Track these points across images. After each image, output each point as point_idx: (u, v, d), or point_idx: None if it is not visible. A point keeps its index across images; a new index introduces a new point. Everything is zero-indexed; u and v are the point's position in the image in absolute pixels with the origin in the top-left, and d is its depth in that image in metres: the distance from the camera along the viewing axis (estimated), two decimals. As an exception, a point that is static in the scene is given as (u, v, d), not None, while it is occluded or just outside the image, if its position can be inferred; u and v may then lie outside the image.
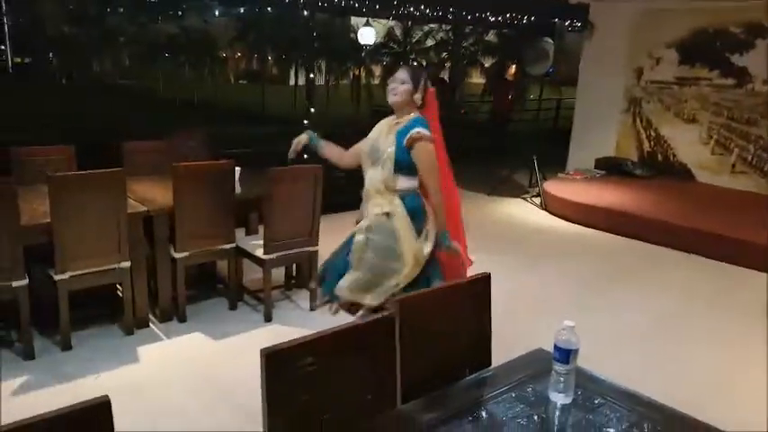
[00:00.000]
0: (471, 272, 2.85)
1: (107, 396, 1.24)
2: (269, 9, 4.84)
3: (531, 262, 5.29)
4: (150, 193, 3.76)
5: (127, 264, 3.45)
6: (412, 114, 2.75)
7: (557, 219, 6.79)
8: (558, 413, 1.64)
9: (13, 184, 3.05)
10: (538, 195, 7.52)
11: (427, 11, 6.99)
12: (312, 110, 6.47)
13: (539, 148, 7.81)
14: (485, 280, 2.08)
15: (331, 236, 4.20)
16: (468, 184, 8.03)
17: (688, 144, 7.57)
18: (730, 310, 4.37)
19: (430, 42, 16.37)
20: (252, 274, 4.25)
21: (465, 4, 7.25)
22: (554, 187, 7.19)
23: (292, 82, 23.00)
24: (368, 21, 7.67)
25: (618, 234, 6.09)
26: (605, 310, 4.27)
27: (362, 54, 17.80)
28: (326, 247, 4.06)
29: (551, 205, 7.06)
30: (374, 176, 2.78)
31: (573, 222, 6.57)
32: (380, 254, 2.72)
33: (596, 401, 1.68)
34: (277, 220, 3.73)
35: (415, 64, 17.37)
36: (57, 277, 3.25)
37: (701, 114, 7.42)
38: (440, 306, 1.98)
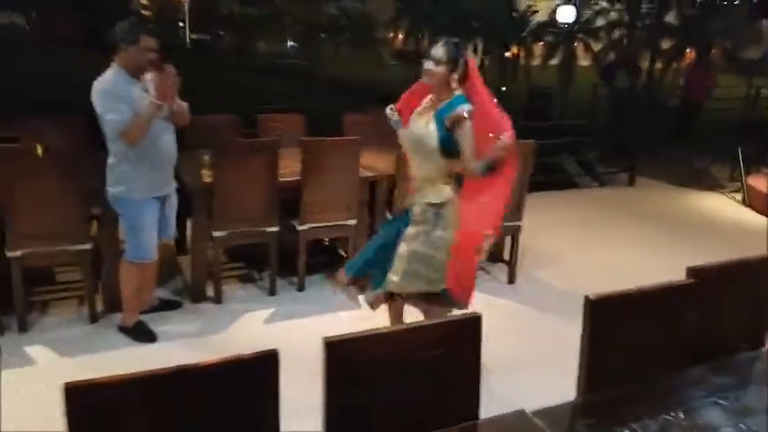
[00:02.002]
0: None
1: (276, 350, 1.36)
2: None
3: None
4: (370, 161, 4.16)
5: (354, 222, 3.90)
6: (453, 93, 2.55)
7: (761, 216, 6.34)
8: None
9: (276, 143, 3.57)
10: (738, 191, 7.04)
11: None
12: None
13: (737, 141, 7.29)
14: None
15: (533, 214, 4.42)
16: (654, 173, 7.76)
17: None
18: None
19: (600, 22, 15.64)
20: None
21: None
22: (760, 183, 6.68)
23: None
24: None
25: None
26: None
27: (523, 33, 17.51)
28: (529, 224, 4.28)
29: (756, 202, 6.59)
30: (423, 165, 2.65)
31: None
32: (434, 245, 2.62)
33: None
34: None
35: (579, 45, 16.73)
36: (300, 227, 3.77)
37: None
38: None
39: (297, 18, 23.38)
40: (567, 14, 7.10)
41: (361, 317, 3.64)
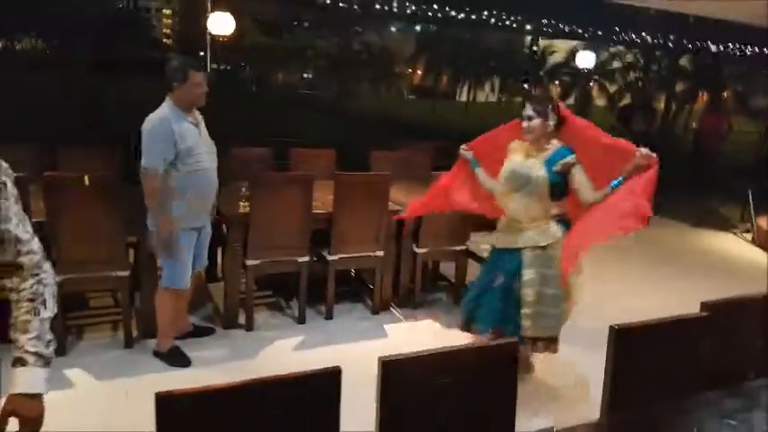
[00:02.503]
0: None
1: (339, 367, 1.49)
2: (444, 27, 5.10)
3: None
4: (398, 195, 4.28)
5: (381, 253, 4.00)
6: (554, 142, 2.92)
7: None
8: None
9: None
10: (748, 231, 7.10)
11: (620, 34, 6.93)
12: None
13: (748, 183, 7.37)
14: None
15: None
16: (671, 213, 7.83)
17: None
18: None
19: (616, 64, 15.91)
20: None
21: (666, 29, 7.09)
22: (768, 224, 6.77)
23: (463, 98, 23.62)
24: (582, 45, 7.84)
25: None
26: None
27: (541, 73, 17.82)
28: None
29: (766, 241, 6.65)
30: (526, 204, 2.91)
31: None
32: (555, 284, 2.89)
33: None
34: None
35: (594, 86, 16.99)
36: (330, 258, 3.87)
37: None
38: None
39: (319, 51, 23.90)
40: (586, 59, 7.29)
41: (387, 345, 3.73)
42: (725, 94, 13.18)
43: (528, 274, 2.92)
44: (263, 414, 1.44)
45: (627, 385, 1.84)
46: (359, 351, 3.57)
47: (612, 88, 16.96)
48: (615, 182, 2.75)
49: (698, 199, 8.39)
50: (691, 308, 2.11)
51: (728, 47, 7.08)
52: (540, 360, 3.40)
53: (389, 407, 1.55)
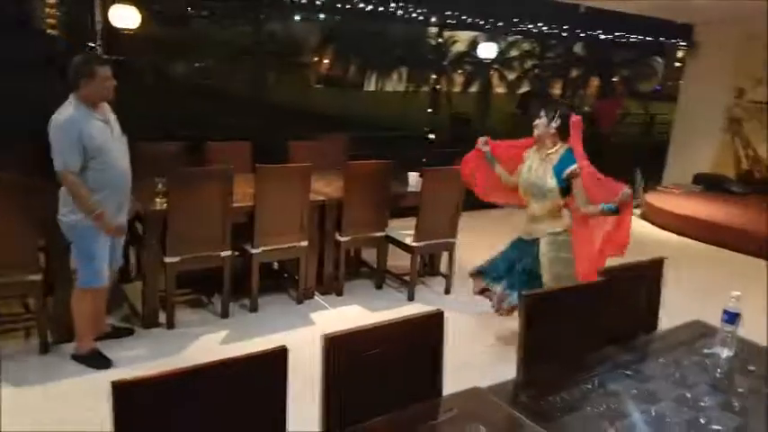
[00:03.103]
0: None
1: (285, 346, 1.61)
2: (350, 17, 5.25)
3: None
4: (317, 185, 4.35)
5: (305, 243, 4.07)
6: (558, 146, 3.39)
7: (657, 228, 7.12)
8: (723, 361, 2.10)
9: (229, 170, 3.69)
10: (638, 207, 7.79)
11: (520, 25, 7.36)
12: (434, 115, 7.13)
13: (637, 162, 8.08)
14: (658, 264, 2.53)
15: (470, 232, 4.76)
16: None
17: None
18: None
19: (514, 53, 16.68)
20: (391, 261, 4.78)
21: (560, 19, 7.58)
22: (656, 199, 7.48)
23: (372, 88, 23.82)
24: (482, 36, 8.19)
25: (717, 245, 6.38)
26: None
27: (444, 63, 18.30)
28: (465, 240, 4.59)
29: (653, 216, 7.38)
30: (543, 206, 3.47)
31: (673, 233, 6.87)
32: (567, 264, 3.39)
33: (748, 354, 2.16)
34: (427, 215, 4.27)
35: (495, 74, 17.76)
36: (253, 251, 3.89)
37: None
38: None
39: (219, 40, 23.14)
40: (488, 50, 7.67)
41: (314, 332, 3.81)
42: (615, 78, 14.28)
43: (545, 257, 3.46)
44: (215, 396, 1.52)
45: (538, 346, 2.05)
46: (286, 341, 3.55)
47: (511, 76, 17.79)
48: (607, 206, 3.19)
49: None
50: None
51: (617, 35, 7.70)
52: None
53: (332, 379, 1.69)
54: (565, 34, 7.62)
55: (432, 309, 1.95)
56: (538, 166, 3.45)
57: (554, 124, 3.36)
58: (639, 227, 7.35)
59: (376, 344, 1.79)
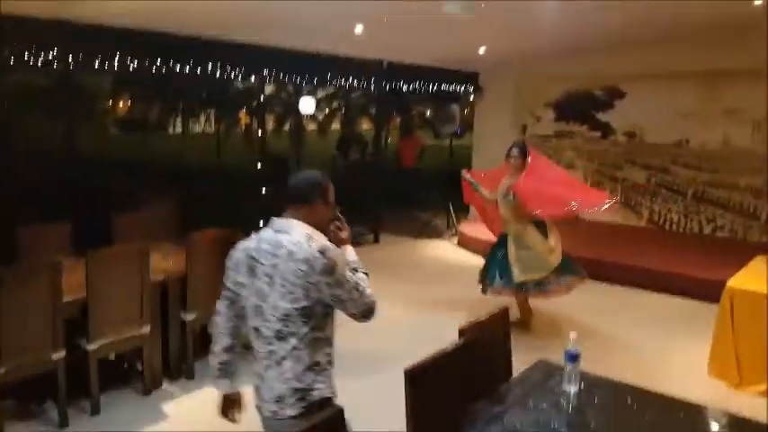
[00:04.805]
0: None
1: None
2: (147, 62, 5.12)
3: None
4: (155, 262, 4.07)
5: (147, 329, 3.78)
6: (517, 175, 4.78)
7: (471, 254, 7.86)
8: (573, 397, 2.44)
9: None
10: (455, 235, 8.57)
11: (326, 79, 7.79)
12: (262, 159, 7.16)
13: (448, 195, 8.90)
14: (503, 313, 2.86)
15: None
16: (395, 229, 8.96)
17: (568, 186, 9.06)
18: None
19: (321, 94, 17.29)
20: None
21: (366, 73, 8.16)
22: (468, 228, 8.29)
23: (179, 130, 22.77)
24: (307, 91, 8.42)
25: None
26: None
27: (255, 104, 18.25)
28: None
29: (466, 243, 8.21)
30: (508, 212, 4.93)
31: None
32: (532, 257, 4.87)
33: (593, 388, 2.53)
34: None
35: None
36: (89, 347, 3.52)
37: (577, 162, 8.93)
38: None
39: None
40: (307, 105, 7.98)
41: (167, 425, 3.55)
42: (415, 120, 15.62)
43: (512, 255, 4.91)
44: None
45: (425, 411, 2.19)
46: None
47: (320, 116, 18.48)
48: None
49: (415, 214, 9.79)
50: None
51: (417, 86, 8.52)
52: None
53: None
54: (372, 85, 8.17)
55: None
56: (504, 184, 4.89)
57: (521, 158, 4.83)
58: (454, 253, 8.11)
59: None
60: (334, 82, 7.67)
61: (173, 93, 19.44)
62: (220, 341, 2.20)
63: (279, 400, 2.01)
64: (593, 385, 2.56)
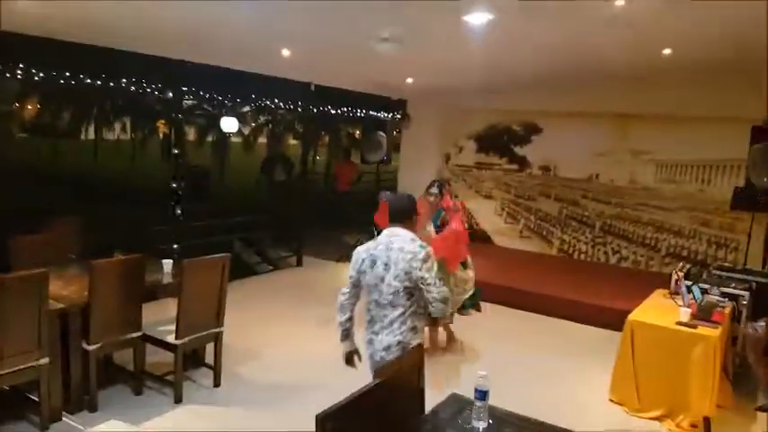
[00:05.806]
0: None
1: None
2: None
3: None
4: (54, 289, 3.80)
5: (46, 360, 3.53)
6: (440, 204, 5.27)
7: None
8: None
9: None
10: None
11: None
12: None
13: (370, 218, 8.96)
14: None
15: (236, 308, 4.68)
16: (317, 252, 8.88)
17: (486, 215, 9.38)
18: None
19: (246, 108, 17.00)
20: (149, 358, 4.39)
21: (293, 95, 8.15)
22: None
23: (91, 136, 21.63)
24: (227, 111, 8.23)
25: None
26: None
27: (174, 114, 17.62)
28: (232, 321, 4.49)
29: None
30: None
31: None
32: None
33: (502, 424, 2.59)
34: (190, 308, 4.07)
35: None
36: (-24, 382, 3.24)
37: (495, 192, 9.28)
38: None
39: None
40: (229, 125, 7.85)
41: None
42: (344, 140, 15.66)
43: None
44: None
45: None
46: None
47: (246, 130, 18.11)
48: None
49: (339, 236, 9.76)
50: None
51: (345, 108, 8.59)
52: None
53: None
54: (299, 108, 8.16)
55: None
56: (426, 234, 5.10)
57: (440, 195, 5.25)
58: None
59: None
60: (258, 102, 7.58)
61: (84, 100, 18.50)
62: (346, 314, 3.10)
63: (387, 348, 2.92)
64: (502, 421, 2.64)
